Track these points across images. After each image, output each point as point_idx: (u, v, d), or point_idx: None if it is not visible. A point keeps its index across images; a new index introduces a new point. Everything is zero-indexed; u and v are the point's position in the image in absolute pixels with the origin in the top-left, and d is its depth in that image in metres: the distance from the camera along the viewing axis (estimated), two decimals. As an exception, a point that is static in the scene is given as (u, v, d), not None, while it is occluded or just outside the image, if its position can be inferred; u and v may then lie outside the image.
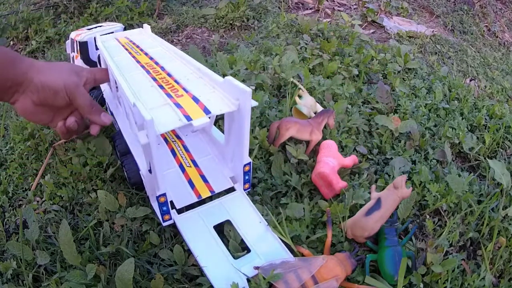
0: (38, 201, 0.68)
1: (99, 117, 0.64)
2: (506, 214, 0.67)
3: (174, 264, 0.57)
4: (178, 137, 0.73)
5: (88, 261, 0.56)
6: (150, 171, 0.55)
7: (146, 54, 0.69)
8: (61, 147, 0.75)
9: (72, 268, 0.56)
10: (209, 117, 0.51)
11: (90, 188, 0.68)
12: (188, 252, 0.57)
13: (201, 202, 0.63)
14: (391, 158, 0.77)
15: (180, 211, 0.61)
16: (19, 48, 1.39)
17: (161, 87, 0.58)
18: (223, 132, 0.66)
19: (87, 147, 0.72)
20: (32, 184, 0.71)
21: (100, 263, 0.57)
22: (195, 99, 0.54)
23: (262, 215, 0.62)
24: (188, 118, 0.50)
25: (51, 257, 0.57)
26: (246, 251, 0.57)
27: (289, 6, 1.56)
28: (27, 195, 0.69)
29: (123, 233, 0.60)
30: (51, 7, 1.51)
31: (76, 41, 0.79)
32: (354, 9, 1.62)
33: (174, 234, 0.61)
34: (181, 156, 0.69)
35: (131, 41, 0.75)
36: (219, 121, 0.80)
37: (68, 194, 0.67)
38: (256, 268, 0.53)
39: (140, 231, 0.62)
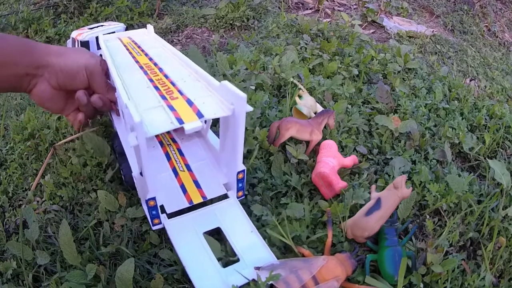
0: (38, 201, 0.68)
1: (115, 94, 0.65)
2: (506, 214, 0.67)
3: (174, 264, 0.56)
4: (174, 141, 0.72)
5: (88, 261, 0.56)
6: (141, 173, 0.54)
7: (146, 54, 0.69)
8: (61, 147, 0.75)
9: (72, 268, 0.56)
10: (205, 121, 0.50)
11: (90, 188, 0.68)
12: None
13: (193, 207, 0.61)
14: (391, 158, 0.77)
15: (171, 216, 0.60)
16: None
17: (156, 88, 0.57)
18: (219, 137, 0.65)
19: (85, 148, 0.72)
20: (32, 184, 0.71)
21: (100, 263, 0.57)
22: (189, 102, 0.53)
23: (262, 215, 0.62)
24: (180, 121, 0.49)
25: (51, 257, 0.57)
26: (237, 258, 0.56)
27: (289, 6, 1.56)
28: (27, 195, 0.69)
29: (123, 233, 0.60)
30: (51, 7, 1.51)
31: (78, 40, 0.79)
32: (354, 9, 1.62)
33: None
34: (175, 160, 0.68)
35: (133, 41, 0.75)
36: (217, 125, 0.80)
37: (68, 194, 0.67)
38: (257, 268, 0.52)
39: (140, 231, 0.61)
